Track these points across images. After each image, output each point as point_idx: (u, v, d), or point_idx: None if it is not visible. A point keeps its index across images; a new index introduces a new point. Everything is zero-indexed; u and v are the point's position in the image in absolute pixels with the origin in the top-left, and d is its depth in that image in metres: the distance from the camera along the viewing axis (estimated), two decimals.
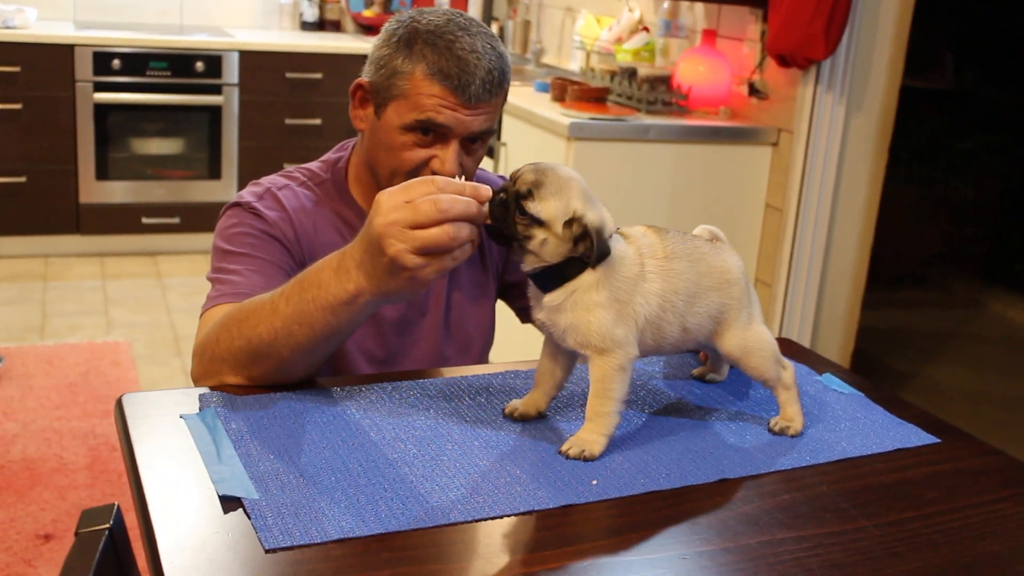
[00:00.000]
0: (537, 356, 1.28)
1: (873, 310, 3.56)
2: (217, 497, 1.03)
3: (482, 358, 1.78)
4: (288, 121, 4.99)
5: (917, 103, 3.89)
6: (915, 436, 1.32)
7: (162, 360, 3.76)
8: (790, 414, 1.30)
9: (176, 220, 4.90)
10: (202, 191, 4.95)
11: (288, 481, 1.07)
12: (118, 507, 0.98)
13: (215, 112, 4.85)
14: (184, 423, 1.18)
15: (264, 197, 1.58)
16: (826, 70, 3.09)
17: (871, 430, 1.33)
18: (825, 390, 1.45)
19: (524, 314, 1.82)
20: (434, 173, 1.53)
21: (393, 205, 1.13)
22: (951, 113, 5.47)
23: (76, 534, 0.98)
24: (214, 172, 4.94)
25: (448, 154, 1.52)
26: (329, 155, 1.71)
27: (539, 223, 1.15)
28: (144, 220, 4.85)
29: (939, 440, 1.32)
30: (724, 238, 1.34)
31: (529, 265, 1.19)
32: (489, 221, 1.16)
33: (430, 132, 1.51)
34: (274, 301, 1.27)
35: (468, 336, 1.71)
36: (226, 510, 1.01)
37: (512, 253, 1.21)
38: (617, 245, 1.20)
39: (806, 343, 3.30)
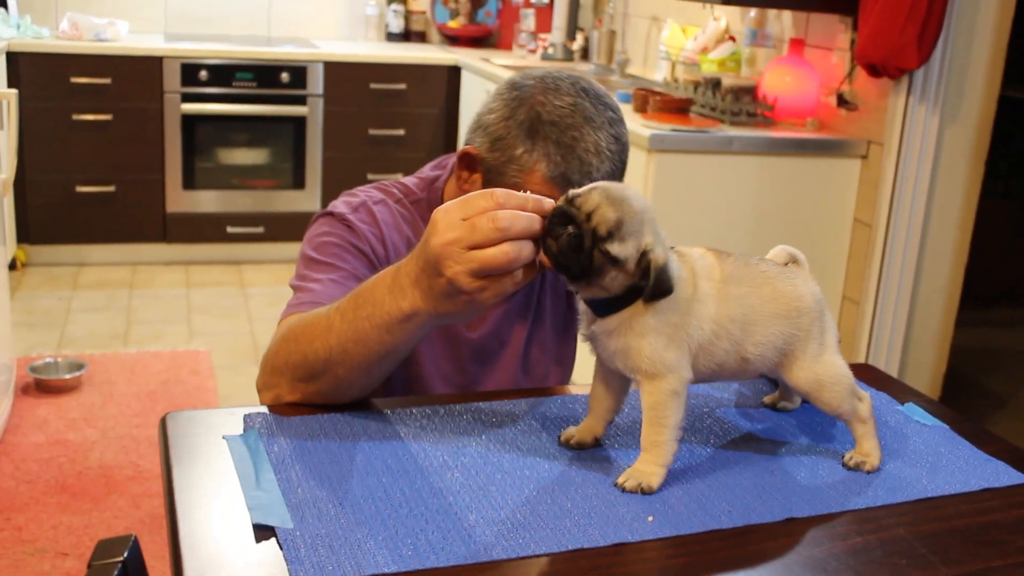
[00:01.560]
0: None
1: (967, 329, 3.40)
2: (251, 526, 0.99)
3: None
4: (372, 132, 5.00)
5: (1015, 113, 3.71)
6: (1004, 474, 1.22)
7: (241, 369, 3.78)
8: (866, 449, 1.21)
9: (260, 229, 4.94)
10: (286, 201, 4.98)
11: (326, 510, 1.02)
12: (135, 539, 0.95)
13: (300, 123, 4.89)
14: (226, 444, 1.15)
15: (359, 210, 1.54)
16: (919, 80, 2.97)
17: (955, 467, 1.23)
18: (906, 422, 1.36)
19: None
20: None
21: (450, 223, 1.07)
22: None
23: (89, 566, 0.95)
24: (298, 182, 4.97)
25: None
26: (426, 171, 1.65)
27: (615, 263, 1.07)
28: (229, 229, 4.91)
29: None
30: (803, 261, 1.25)
31: (590, 295, 1.12)
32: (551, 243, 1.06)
33: None
34: (330, 317, 1.23)
35: (545, 371, 1.65)
36: (258, 539, 0.97)
37: (568, 282, 1.11)
38: (673, 262, 1.13)
39: (895, 363, 3.17)
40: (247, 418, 1.21)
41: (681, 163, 3.03)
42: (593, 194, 1.07)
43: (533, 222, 1.06)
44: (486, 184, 1.46)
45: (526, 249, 1.06)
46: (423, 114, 5.08)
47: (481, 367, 1.61)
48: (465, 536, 1.00)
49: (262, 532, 0.98)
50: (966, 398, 3.70)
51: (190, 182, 4.81)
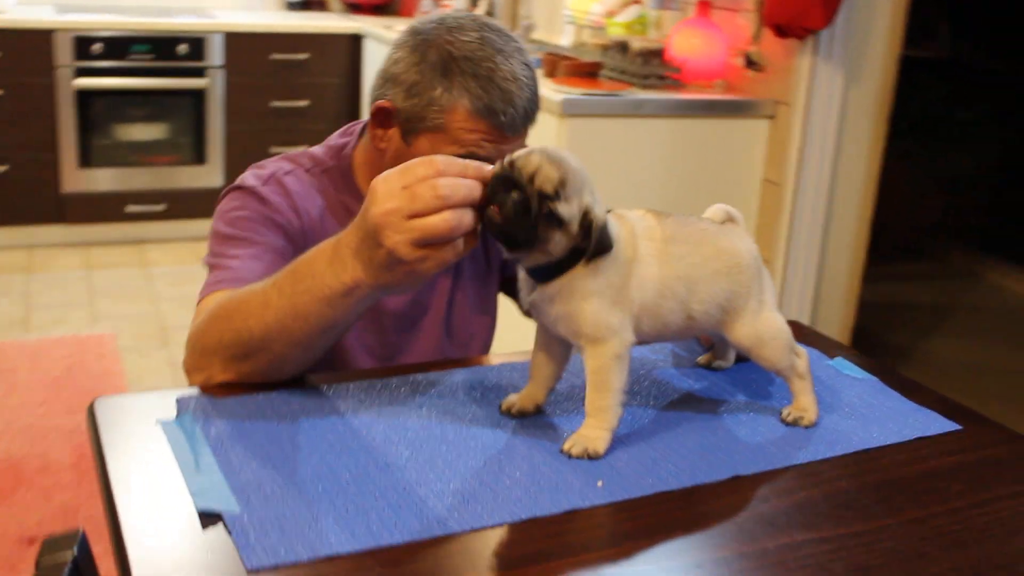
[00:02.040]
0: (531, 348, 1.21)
1: (872, 284, 3.49)
2: (196, 512, 0.96)
3: (484, 350, 1.71)
4: (274, 103, 4.90)
5: (914, 73, 3.81)
6: (935, 423, 1.25)
7: (148, 352, 3.68)
8: (803, 404, 1.23)
9: (162, 207, 4.81)
10: (188, 177, 4.85)
11: (272, 492, 0.99)
12: (83, 534, 0.91)
13: (199, 96, 4.75)
14: (161, 429, 1.11)
15: (269, 182, 1.50)
16: (824, 40, 3.01)
17: (888, 418, 1.26)
18: (837, 376, 1.38)
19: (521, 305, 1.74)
20: None
21: (389, 192, 1.04)
22: (949, 83, 5.39)
23: (37, 565, 0.91)
24: (199, 157, 4.84)
25: None
26: (334, 139, 1.62)
27: (560, 225, 1.06)
28: (129, 208, 4.76)
29: (960, 427, 1.25)
30: (740, 218, 1.26)
31: (532, 263, 1.10)
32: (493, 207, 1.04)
33: None
34: (266, 292, 1.19)
35: (469, 334, 1.64)
36: (205, 526, 0.94)
37: (511, 251, 1.10)
38: (612, 224, 1.12)
39: (806, 320, 3.24)
40: (180, 401, 1.17)
41: (593, 127, 3.03)
42: (532, 156, 1.05)
43: (474, 189, 1.04)
44: (405, 135, 1.44)
45: (467, 217, 1.04)
46: (326, 84, 4.99)
47: (405, 335, 1.59)
48: (417, 511, 0.98)
49: (208, 518, 0.95)
50: (873, 352, 3.80)
51: (86, 160, 4.65)
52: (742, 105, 3.22)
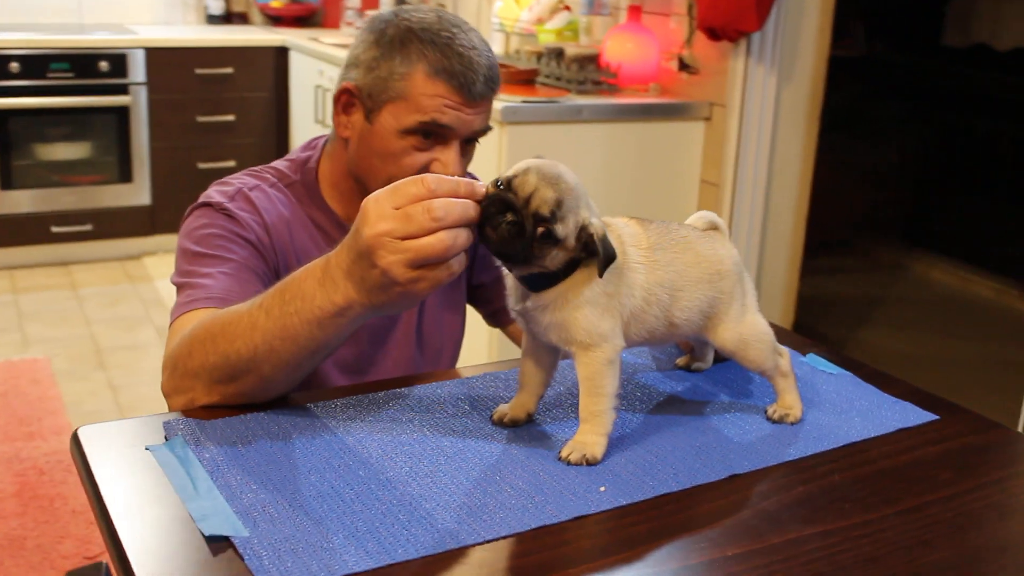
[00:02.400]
0: (507, 357, 1.21)
1: (808, 279, 3.56)
2: (203, 538, 0.94)
3: (451, 366, 1.70)
4: (200, 119, 4.82)
5: (835, 72, 3.90)
6: (913, 414, 1.28)
7: (84, 375, 3.59)
8: (789, 401, 1.25)
9: (88, 227, 4.70)
10: (113, 196, 4.75)
11: (278, 514, 0.98)
12: (106, 566, 0.89)
13: (123, 113, 4.66)
14: (152, 455, 1.08)
15: (236, 198, 1.48)
16: (756, 42, 3.07)
17: (869, 411, 1.29)
18: (813, 372, 1.40)
19: (493, 319, 1.74)
20: None
21: (381, 213, 1.02)
22: (867, 80, 5.52)
23: None
24: (125, 175, 4.75)
25: (450, 156, 1.44)
26: (296, 154, 1.61)
27: (556, 243, 1.06)
28: (54, 229, 4.65)
29: (937, 416, 1.28)
30: (722, 226, 1.28)
31: (526, 273, 1.10)
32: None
33: (431, 135, 1.44)
34: (252, 314, 1.16)
35: (440, 344, 1.64)
36: (215, 552, 0.92)
37: (506, 266, 1.11)
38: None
39: None
40: (167, 425, 1.14)
41: (534, 134, 3.04)
42: (529, 176, 1.05)
43: (468, 209, 1.03)
44: (368, 114, 1.45)
45: (461, 237, 1.03)
46: (253, 98, 4.93)
47: (378, 347, 1.58)
48: (427, 525, 0.97)
49: (216, 543, 0.93)
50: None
51: (7, 182, 4.53)
52: (678, 108, 3.26)
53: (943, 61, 5.73)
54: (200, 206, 1.48)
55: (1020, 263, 4.94)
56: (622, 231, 1.16)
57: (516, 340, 1.69)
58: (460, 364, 1.65)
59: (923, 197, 5.59)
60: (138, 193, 4.77)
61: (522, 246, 1.04)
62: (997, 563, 1.00)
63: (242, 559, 0.90)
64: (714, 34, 3.07)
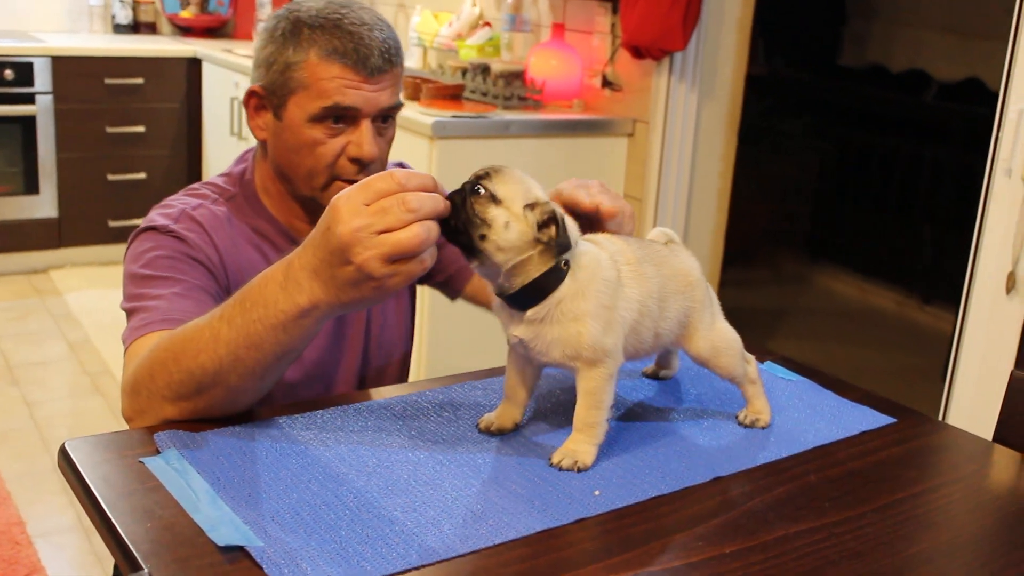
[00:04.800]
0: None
1: (728, 290, 3.67)
2: (216, 548, 0.94)
3: (403, 367, 1.72)
4: (109, 129, 4.72)
5: (758, 90, 4.03)
6: (872, 418, 1.35)
7: None
8: (758, 407, 1.31)
9: None
10: (18, 208, 4.62)
11: (287, 523, 0.99)
12: (149, 573, 0.89)
13: (28, 123, 4.54)
14: (148, 468, 1.08)
15: (180, 219, 1.47)
16: (678, 61, 3.16)
17: (831, 415, 1.35)
18: (772, 379, 1.47)
19: (448, 287, 1.75)
20: (353, 160, 1.46)
21: (354, 209, 1.04)
22: (770, 97, 5.69)
23: None
24: (31, 187, 4.61)
25: (363, 136, 1.46)
26: (231, 168, 1.61)
27: (496, 201, 1.08)
28: None
29: (895, 419, 1.35)
30: (678, 240, 1.33)
31: (492, 262, 1.10)
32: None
33: (340, 119, 1.45)
34: (213, 327, 1.16)
35: (390, 337, 1.66)
36: (230, 561, 0.93)
37: (473, 260, 1.12)
38: (591, 250, 1.17)
39: None
40: (159, 438, 1.14)
41: (463, 148, 3.08)
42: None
43: (439, 202, 1.06)
44: (276, 111, 1.47)
45: (434, 230, 1.06)
46: (163, 109, 4.85)
47: (333, 347, 1.59)
48: (436, 531, 1.00)
49: (230, 553, 0.94)
50: None
51: None
52: (602, 124, 3.33)
53: (840, 80, 5.95)
54: (144, 231, 1.47)
55: (916, 275, 5.15)
56: (608, 247, 1.20)
57: (479, 300, 1.71)
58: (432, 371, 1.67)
59: (823, 210, 5.79)
60: (45, 205, 4.65)
61: (462, 206, 1.08)
62: (973, 552, 1.07)
63: (260, 568, 0.91)
64: (638, 52, 3.15)
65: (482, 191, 1.09)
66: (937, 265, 5.17)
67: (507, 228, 1.09)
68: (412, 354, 1.75)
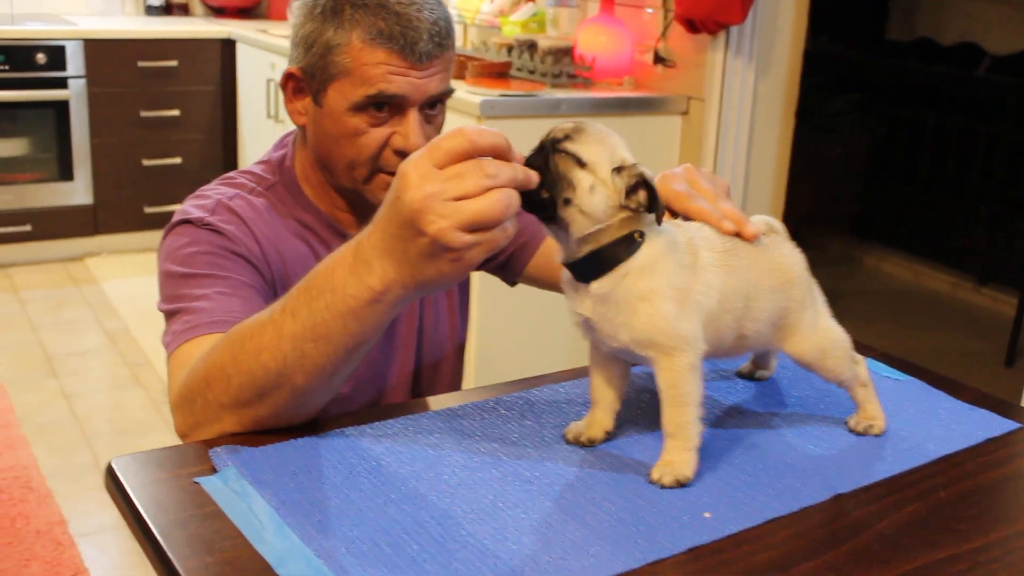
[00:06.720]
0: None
1: None
2: None
3: (456, 368, 1.61)
4: (144, 113, 4.64)
5: (817, 67, 3.89)
6: (995, 423, 1.22)
7: (35, 383, 3.41)
8: (871, 412, 1.18)
9: (27, 228, 4.49)
10: (53, 194, 4.54)
11: (363, 553, 0.87)
12: None
13: (62, 107, 4.46)
14: (204, 489, 0.97)
15: (216, 210, 1.35)
16: (735, 35, 3.01)
17: (948, 420, 1.22)
18: (877, 379, 1.33)
19: (507, 271, 1.61)
20: (397, 152, 1.34)
21: (424, 173, 0.92)
22: (817, 75, 5.53)
23: None
24: (65, 173, 4.54)
25: (410, 127, 1.33)
26: (271, 154, 1.48)
27: (581, 163, 0.98)
28: None
29: (1020, 424, 1.22)
30: (781, 230, 1.20)
31: (579, 230, 0.99)
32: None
33: (384, 107, 1.32)
34: (275, 321, 1.04)
35: (442, 336, 1.56)
36: None
37: (553, 228, 1.01)
38: (669, 229, 1.05)
39: None
40: (214, 455, 1.03)
41: (512, 128, 2.95)
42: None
43: (517, 169, 0.94)
44: (315, 96, 1.35)
45: (515, 197, 0.93)
46: (198, 92, 4.76)
47: (384, 346, 1.47)
48: (533, 565, 0.88)
49: None
50: None
51: None
52: (655, 102, 3.20)
53: (889, 55, 5.77)
54: (178, 224, 1.35)
55: (971, 256, 4.99)
56: (695, 233, 1.08)
57: (542, 278, 1.58)
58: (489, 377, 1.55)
59: (872, 190, 5.63)
60: (80, 191, 4.57)
61: (544, 166, 0.97)
62: None
63: None
64: (693, 27, 3.01)
65: (565, 152, 0.98)
66: (994, 245, 5.00)
67: (592, 192, 0.98)
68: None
